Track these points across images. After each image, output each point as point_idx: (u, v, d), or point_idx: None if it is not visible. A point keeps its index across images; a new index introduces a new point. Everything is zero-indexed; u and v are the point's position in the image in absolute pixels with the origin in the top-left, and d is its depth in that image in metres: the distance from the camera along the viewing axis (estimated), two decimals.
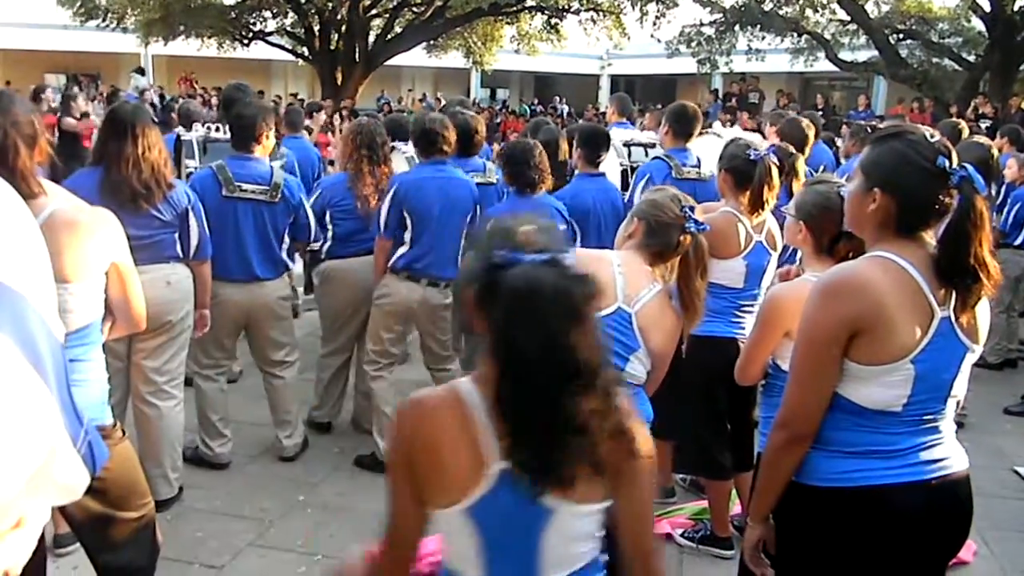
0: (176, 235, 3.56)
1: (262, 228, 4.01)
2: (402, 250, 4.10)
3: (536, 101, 28.35)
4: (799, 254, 2.90)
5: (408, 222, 4.06)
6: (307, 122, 8.42)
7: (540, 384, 1.27)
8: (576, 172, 4.68)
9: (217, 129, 4.94)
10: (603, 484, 1.36)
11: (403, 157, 5.14)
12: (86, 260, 2.22)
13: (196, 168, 4.61)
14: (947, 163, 1.78)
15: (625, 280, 2.41)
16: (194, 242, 3.61)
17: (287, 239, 4.14)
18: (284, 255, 4.15)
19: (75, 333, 2.20)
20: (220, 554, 3.43)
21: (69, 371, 0.81)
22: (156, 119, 3.62)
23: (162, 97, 18.31)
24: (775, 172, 3.30)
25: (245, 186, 3.95)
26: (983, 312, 1.87)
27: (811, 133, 5.07)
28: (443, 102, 11.56)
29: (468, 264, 1.40)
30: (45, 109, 10.23)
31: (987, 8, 15.38)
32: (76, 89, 12.97)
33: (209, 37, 19.95)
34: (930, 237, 1.85)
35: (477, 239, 1.47)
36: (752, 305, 3.37)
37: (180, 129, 5.47)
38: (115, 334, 2.48)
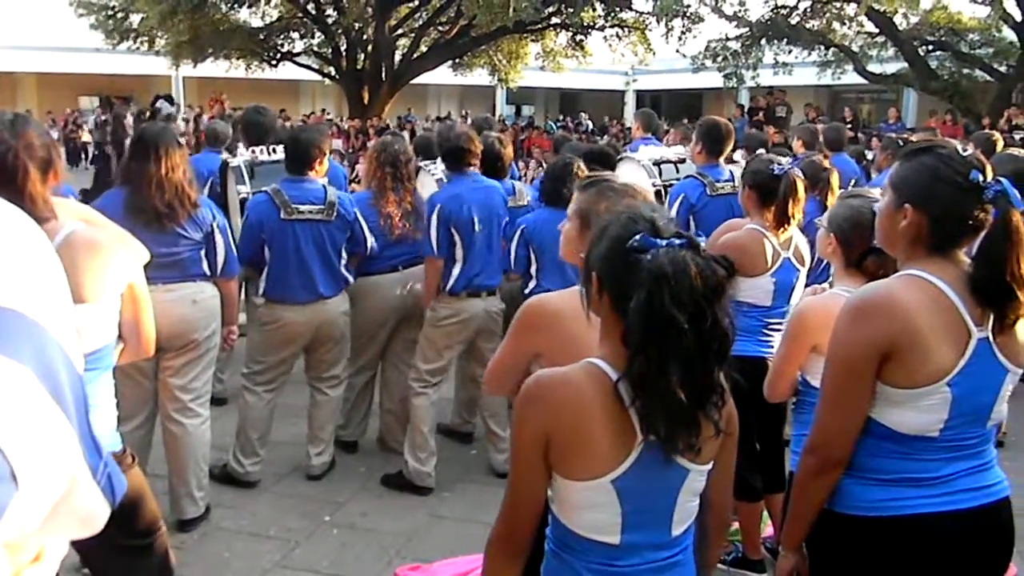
0: (202, 253, 3.59)
1: (322, 247, 4.05)
2: (456, 270, 4.12)
3: (561, 117, 28.42)
4: (832, 270, 2.85)
5: (456, 238, 4.09)
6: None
7: (687, 355, 1.38)
8: None
9: (262, 151, 4.95)
10: (716, 444, 1.53)
11: (432, 179, 5.15)
12: (104, 280, 2.21)
13: (248, 193, 4.63)
14: (981, 177, 1.72)
15: None
16: (220, 259, 3.64)
17: (345, 254, 4.17)
18: (344, 270, 4.18)
19: (87, 356, 2.18)
20: (247, 575, 3.42)
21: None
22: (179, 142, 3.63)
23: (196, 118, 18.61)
24: (800, 186, 3.25)
25: (302, 207, 3.98)
26: None
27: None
28: (468, 120, 11.62)
29: (599, 250, 1.52)
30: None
31: (1018, 18, 15.22)
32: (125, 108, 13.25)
33: (238, 59, 20.26)
34: (964, 255, 1.79)
35: (606, 226, 1.54)
36: (781, 323, 3.32)
37: (226, 155, 5.45)
38: (124, 359, 2.47)
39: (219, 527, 3.78)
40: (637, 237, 1.43)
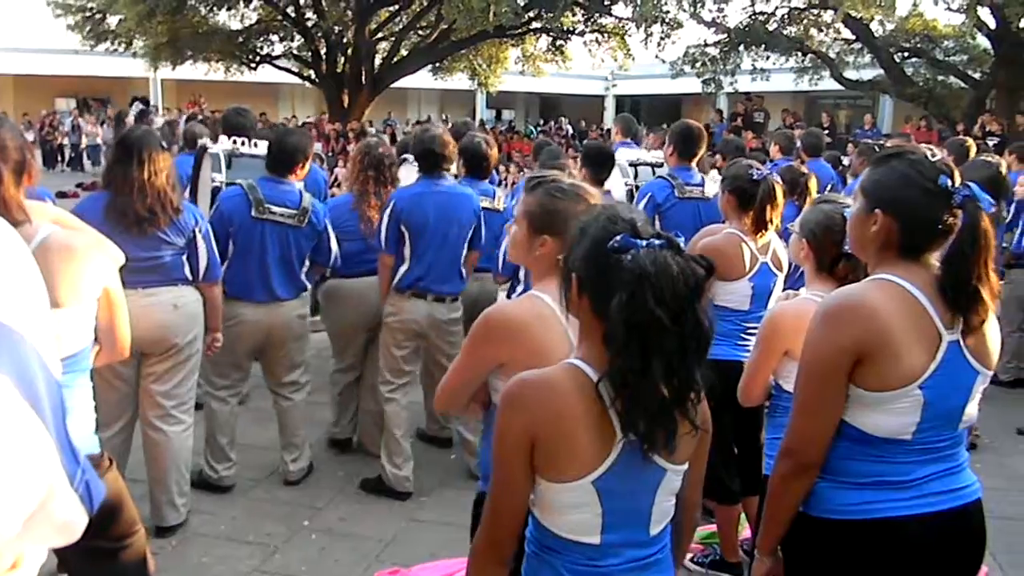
0: (184, 257, 3.56)
1: (286, 251, 4.02)
2: (403, 268, 4.10)
3: (541, 122, 28.46)
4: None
5: (406, 237, 4.06)
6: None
7: (669, 354, 1.40)
8: None
9: (243, 143, 4.87)
10: (692, 442, 1.54)
11: (415, 170, 5.15)
12: (80, 285, 2.20)
13: (223, 183, 4.57)
14: (949, 182, 1.75)
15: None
16: (203, 264, 3.60)
17: (307, 262, 4.15)
18: (303, 277, 4.16)
19: (64, 360, 2.16)
20: None
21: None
22: (164, 144, 3.58)
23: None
24: (779, 191, 3.29)
25: (275, 208, 3.95)
26: (993, 334, 1.83)
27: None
28: (449, 123, 11.62)
29: (578, 251, 1.52)
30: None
31: (992, 25, 15.41)
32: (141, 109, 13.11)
33: (217, 61, 20.12)
34: (934, 259, 1.81)
35: (585, 227, 1.54)
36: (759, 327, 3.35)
37: (207, 140, 5.37)
38: (99, 361, 2.45)
39: (197, 533, 3.75)
40: (618, 238, 1.44)
